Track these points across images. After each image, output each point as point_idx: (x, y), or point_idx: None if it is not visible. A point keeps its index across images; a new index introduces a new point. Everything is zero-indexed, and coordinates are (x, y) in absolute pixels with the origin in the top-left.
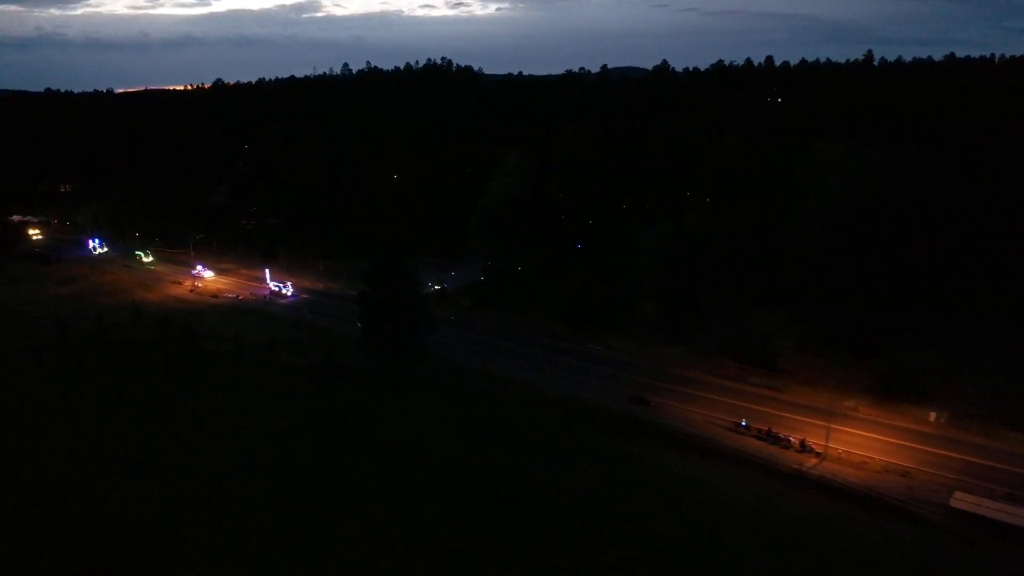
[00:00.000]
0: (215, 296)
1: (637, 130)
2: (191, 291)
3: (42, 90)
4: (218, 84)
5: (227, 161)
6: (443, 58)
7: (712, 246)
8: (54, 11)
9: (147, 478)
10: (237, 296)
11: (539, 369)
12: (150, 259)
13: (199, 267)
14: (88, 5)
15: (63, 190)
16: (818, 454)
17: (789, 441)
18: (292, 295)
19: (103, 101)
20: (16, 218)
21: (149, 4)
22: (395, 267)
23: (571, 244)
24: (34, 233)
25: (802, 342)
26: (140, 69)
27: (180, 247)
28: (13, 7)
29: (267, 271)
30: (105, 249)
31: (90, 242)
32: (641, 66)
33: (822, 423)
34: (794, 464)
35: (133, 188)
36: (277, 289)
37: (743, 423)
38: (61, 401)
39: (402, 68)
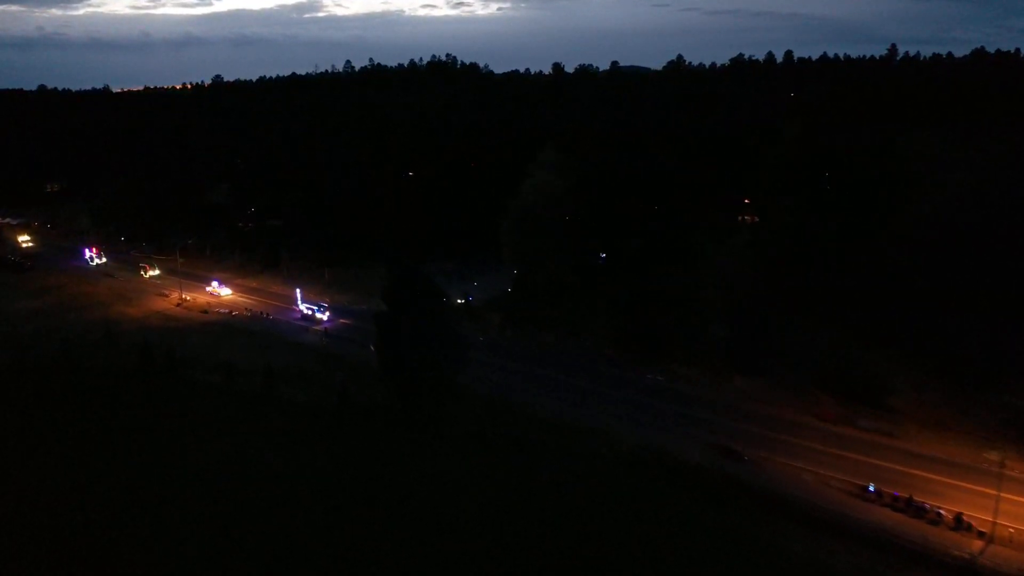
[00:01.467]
0: (205, 311)
1: (665, 127)
2: (178, 305)
3: (35, 88)
4: (218, 81)
5: (226, 159)
6: (448, 55)
7: (791, 255)
8: (55, 11)
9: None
10: (230, 311)
11: (592, 406)
12: (155, 272)
13: (215, 283)
14: (89, 5)
15: (50, 190)
16: (981, 533)
17: (939, 514)
18: (328, 320)
19: (99, 99)
20: None
21: (151, 4)
22: (417, 280)
23: (626, 248)
24: (24, 240)
25: (915, 373)
26: (141, 69)
27: (169, 252)
28: (14, 7)
29: (298, 291)
30: (104, 259)
31: (86, 251)
32: (646, 65)
33: (964, 483)
34: (955, 549)
35: (127, 187)
36: (310, 312)
37: (871, 487)
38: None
39: (405, 65)
